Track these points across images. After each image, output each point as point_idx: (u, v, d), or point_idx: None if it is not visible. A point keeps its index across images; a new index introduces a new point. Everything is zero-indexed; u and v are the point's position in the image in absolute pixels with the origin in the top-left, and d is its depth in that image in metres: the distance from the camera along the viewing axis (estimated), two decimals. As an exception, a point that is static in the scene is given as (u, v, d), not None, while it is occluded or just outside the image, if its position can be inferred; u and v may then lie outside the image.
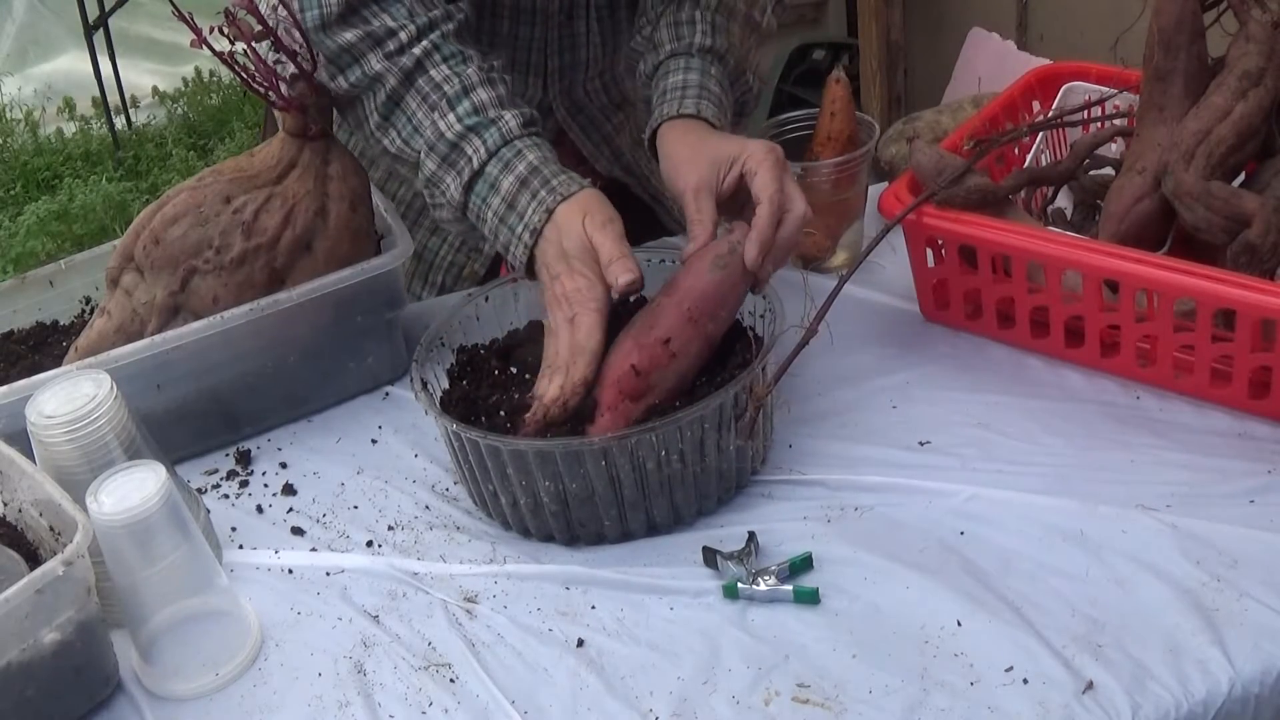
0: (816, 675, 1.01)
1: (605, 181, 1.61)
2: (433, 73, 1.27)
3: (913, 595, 1.07)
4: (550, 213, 1.21)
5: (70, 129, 4.37)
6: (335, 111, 1.35)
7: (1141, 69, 1.30)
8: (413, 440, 1.32)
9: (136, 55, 4.57)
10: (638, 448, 1.10)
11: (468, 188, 1.25)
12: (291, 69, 1.28)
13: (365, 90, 1.29)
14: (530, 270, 1.24)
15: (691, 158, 1.26)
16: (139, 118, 4.39)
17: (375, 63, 1.27)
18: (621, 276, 1.17)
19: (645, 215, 1.66)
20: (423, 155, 1.27)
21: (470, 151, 1.25)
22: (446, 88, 1.26)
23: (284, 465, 1.31)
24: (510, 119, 1.26)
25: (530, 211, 1.22)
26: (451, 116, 1.26)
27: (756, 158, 1.22)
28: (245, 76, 1.27)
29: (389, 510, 1.24)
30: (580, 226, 1.20)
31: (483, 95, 1.26)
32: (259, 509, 1.26)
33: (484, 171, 1.25)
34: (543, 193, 1.22)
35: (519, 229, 1.23)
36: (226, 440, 1.34)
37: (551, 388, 1.15)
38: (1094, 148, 1.35)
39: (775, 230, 1.20)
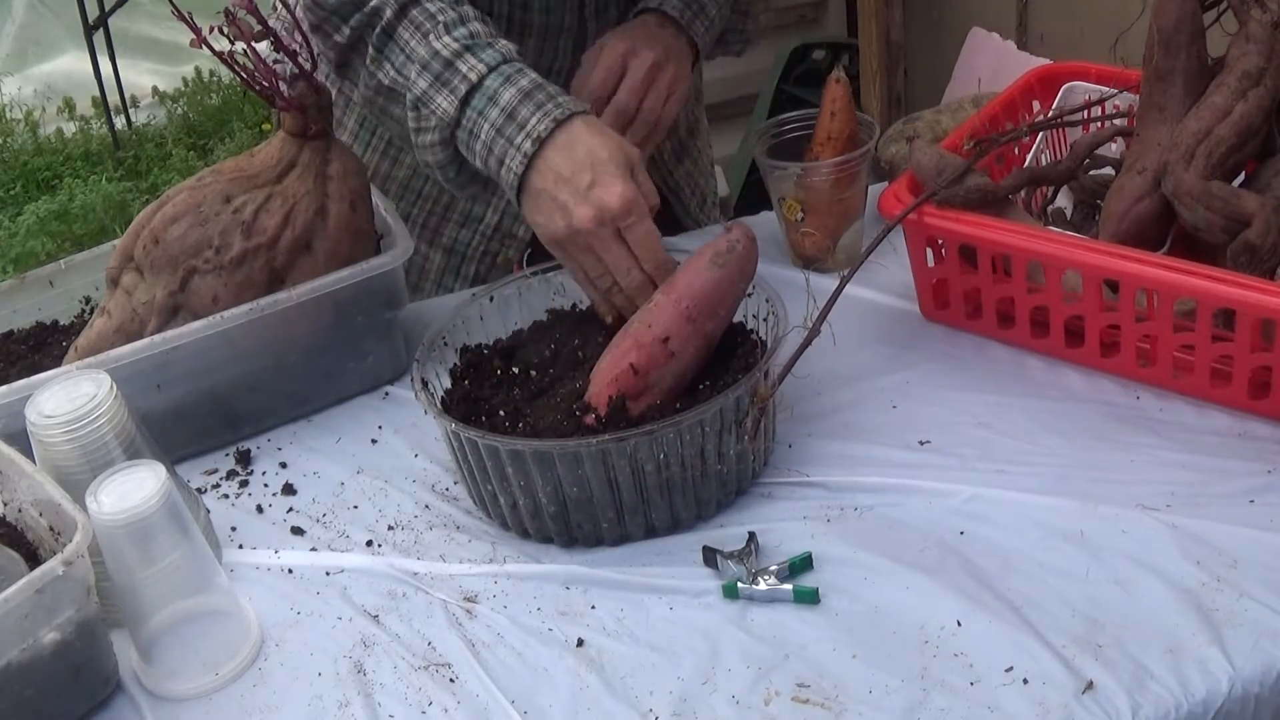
0: (816, 675, 1.01)
1: None
2: (428, 4, 1.28)
3: (913, 595, 1.07)
4: (558, 123, 1.20)
5: (70, 129, 4.37)
6: (334, 100, 1.35)
7: (1141, 69, 1.30)
8: (413, 440, 1.32)
9: (136, 55, 4.57)
10: (636, 450, 1.10)
11: (464, 101, 1.24)
12: (291, 69, 1.28)
13: (364, 28, 1.30)
14: (520, 193, 1.22)
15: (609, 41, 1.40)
16: (139, 118, 4.39)
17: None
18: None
19: (661, 208, 1.67)
20: (414, 76, 1.26)
21: (466, 69, 1.24)
22: (441, 16, 1.27)
23: (284, 465, 1.32)
24: (507, 44, 1.27)
25: (534, 121, 1.21)
26: (447, 38, 1.26)
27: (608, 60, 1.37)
28: (245, 76, 1.27)
29: (389, 510, 1.24)
30: (596, 136, 1.20)
31: (477, 26, 1.28)
32: (259, 509, 1.26)
33: (482, 84, 1.23)
34: (549, 105, 1.21)
35: (518, 139, 1.21)
36: (226, 440, 1.34)
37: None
38: (1094, 148, 1.35)
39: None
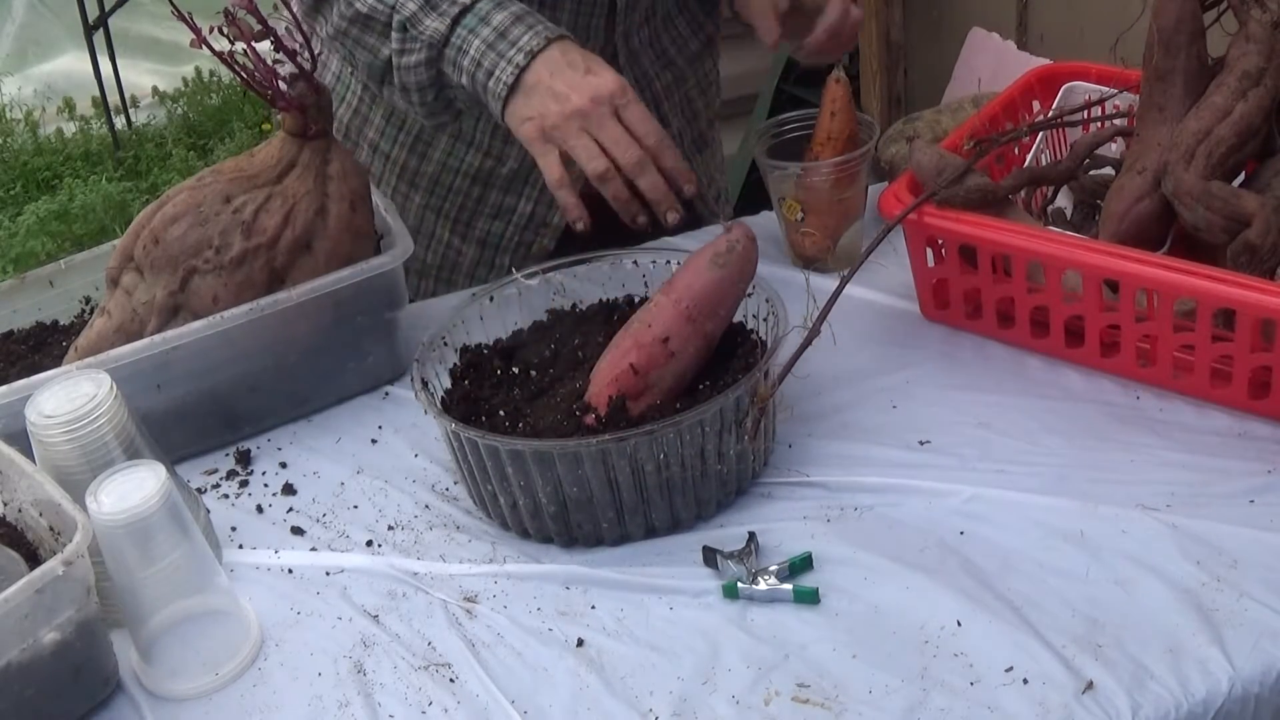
0: (816, 675, 1.01)
1: None
2: None
3: (912, 595, 1.07)
4: (549, 41, 1.25)
5: (70, 129, 4.37)
6: (360, 96, 1.37)
7: (1141, 69, 1.30)
8: (413, 440, 1.32)
9: (136, 55, 4.58)
10: (636, 450, 1.10)
11: (455, 21, 1.28)
12: (291, 69, 1.28)
13: None
14: (507, 102, 1.26)
15: None
16: (139, 118, 4.40)
17: None
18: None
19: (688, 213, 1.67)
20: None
21: None
22: None
23: (284, 465, 1.31)
24: None
25: (527, 38, 1.26)
26: None
27: None
28: (245, 76, 1.27)
29: (389, 510, 1.24)
30: (584, 52, 1.25)
31: None
32: (259, 509, 1.26)
33: (474, 7, 1.28)
34: (540, 26, 1.26)
35: (510, 52, 1.26)
36: (226, 440, 1.34)
37: (650, 187, 1.23)
38: (1094, 148, 1.35)
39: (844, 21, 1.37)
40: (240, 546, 1.22)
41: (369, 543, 1.20)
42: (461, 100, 1.36)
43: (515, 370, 1.26)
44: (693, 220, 1.66)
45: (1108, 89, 1.44)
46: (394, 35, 1.32)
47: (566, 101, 1.23)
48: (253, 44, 1.24)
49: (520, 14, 1.28)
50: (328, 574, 1.17)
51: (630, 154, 1.23)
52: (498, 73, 1.26)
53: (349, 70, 1.57)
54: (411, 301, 1.59)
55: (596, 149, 1.23)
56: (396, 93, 1.37)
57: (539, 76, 1.25)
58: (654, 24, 1.58)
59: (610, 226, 1.36)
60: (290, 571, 1.18)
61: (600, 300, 1.33)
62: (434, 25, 1.29)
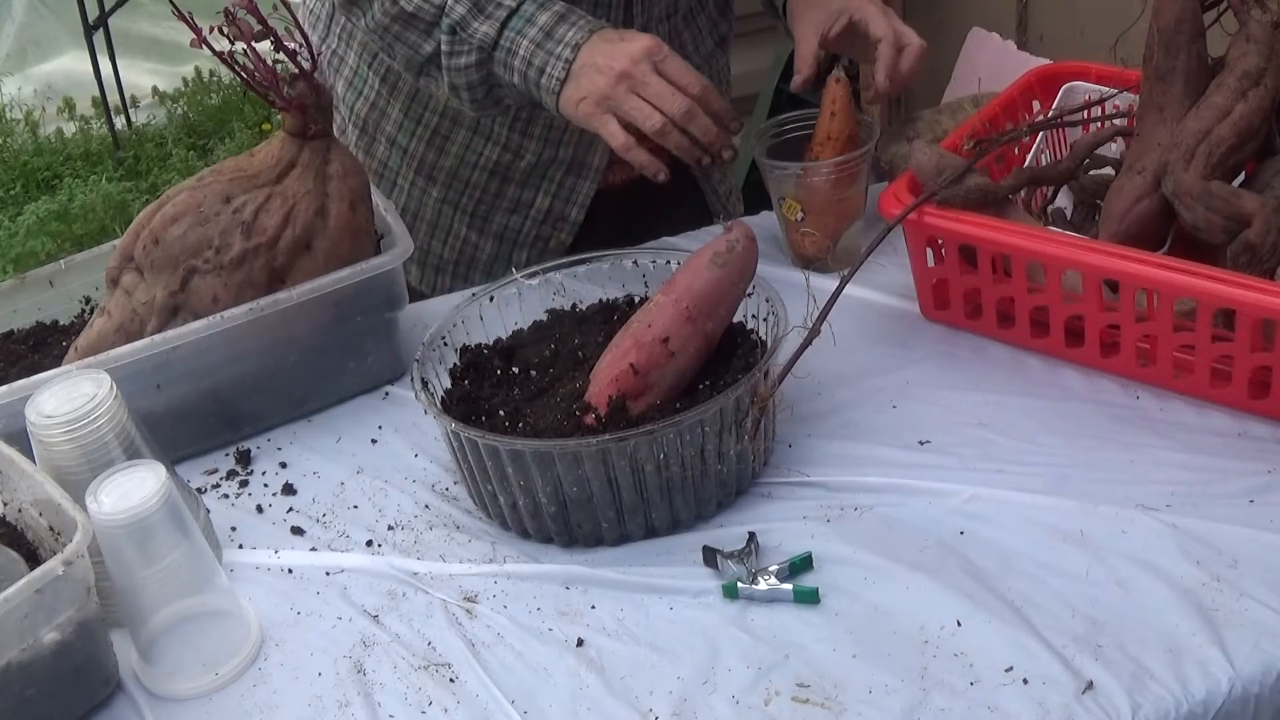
0: (816, 675, 1.01)
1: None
2: None
3: (913, 595, 1.07)
4: (593, 33, 1.32)
5: (70, 129, 4.37)
6: (377, 90, 1.40)
7: (1141, 69, 1.30)
8: (413, 440, 1.32)
9: (136, 55, 4.58)
10: (636, 450, 1.10)
11: (504, 24, 1.34)
12: (292, 68, 1.28)
13: None
14: (561, 92, 1.33)
15: (809, 4, 1.49)
16: (139, 118, 4.40)
17: None
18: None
19: (691, 192, 1.69)
20: (451, 2, 1.35)
21: None
22: None
23: (284, 465, 1.31)
24: None
25: (572, 32, 1.33)
26: None
27: (864, 7, 1.45)
28: (245, 76, 1.27)
29: (389, 510, 1.24)
30: (620, 31, 1.33)
31: None
32: (259, 509, 1.26)
33: (520, 9, 1.35)
34: (581, 21, 1.35)
35: (558, 49, 1.33)
36: (226, 440, 1.34)
37: (701, 131, 1.31)
38: (1094, 148, 1.35)
39: (898, 59, 1.43)
40: (240, 546, 1.22)
41: (369, 543, 1.20)
42: (511, 96, 1.41)
43: (515, 370, 1.26)
44: (702, 215, 1.67)
45: (1108, 89, 1.44)
46: (443, 38, 1.37)
47: (610, 71, 1.31)
48: (253, 44, 1.24)
49: (563, 12, 1.35)
50: (328, 574, 1.17)
51: (679, 105, 1.31)
52: (549, 69, 1.33)
53: (367, 65, 1.58)
54: (427, 297, 1.60)
55: (649, 108, 1.31)
56: (444, 88, 1.42)
57: (582, 61, 1.32)
58: (674, 21, 1.59)
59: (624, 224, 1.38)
60: (290, 571, 1.18)
61: (600, 300, 1.33)
62: (484, 29, 1.35)
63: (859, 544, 1.12)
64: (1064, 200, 1.45)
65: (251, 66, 1.26)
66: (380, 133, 1.62)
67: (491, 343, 1.30)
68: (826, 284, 1.24)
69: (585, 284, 1.35)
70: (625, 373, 1.15)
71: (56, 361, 1.32)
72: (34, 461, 1.10)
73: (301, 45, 1.27)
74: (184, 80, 4.59)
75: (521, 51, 1.34)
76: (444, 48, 1.38)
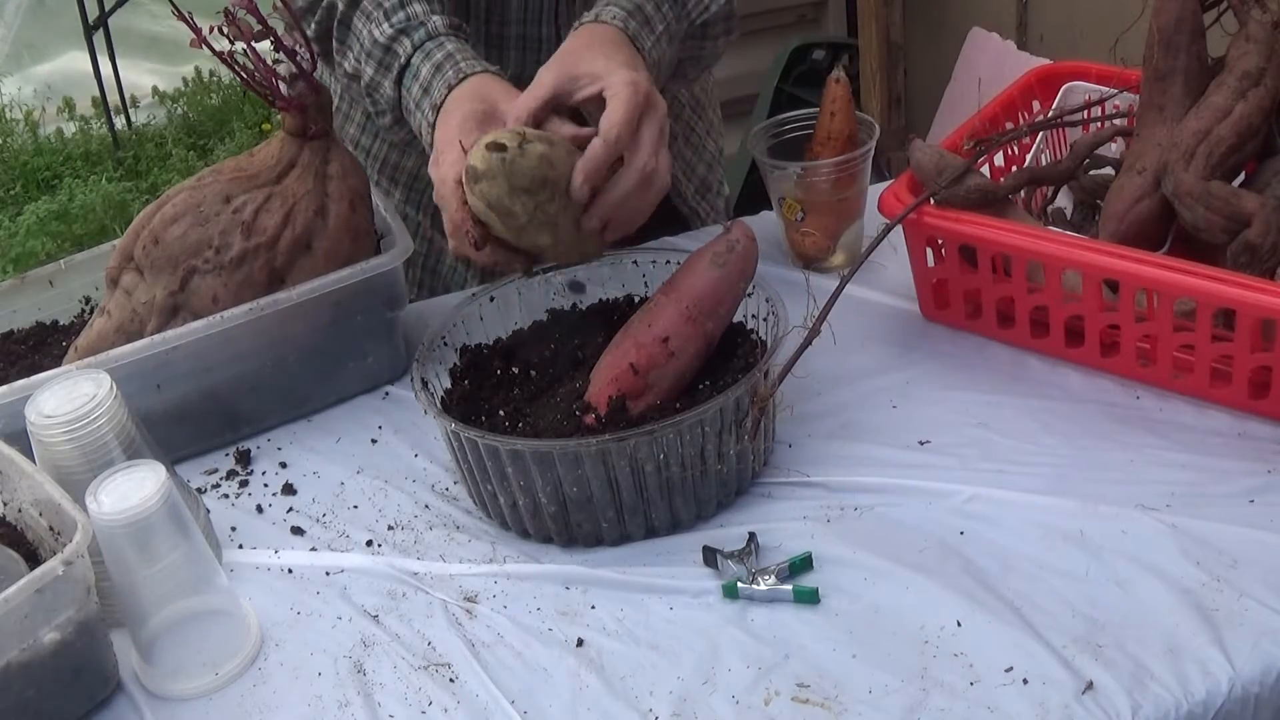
0: (816, 675, 1.01)
1: None
2: None
3: (912, 595, 1.07)
4: (451, 88, 1.26)
5: (70, 129, 4.37)
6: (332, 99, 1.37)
7: (1141, 69, 1.30)
8: (413, 440, 1.32)
9: (136, 55, 4.58)
10: (636, 450, 1.10)
11: (397, 82, 1.32)
12: (291, 68, 1.28)
13: (325, 22, 1.37)
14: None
15: (567, 56, 1.23)
16: (139, 118, 4.40)
17: None
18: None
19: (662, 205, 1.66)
20: (364, 63, 1.33)
21: (400, 50, 1.31)
22: (385, 2, 1.33)
23: (284, 465, 1.31)
24: (438, 20, 1.32)
25: (437, 90, 1.27)
26: (385, 25, 1.32)
27: (614, 88, 1.16)
28: (245, 76, 1.27)
29: (389, 510, 1.24)
30: (482, 89, 1.24)
31: (418, 7, 1.33)
32: (259, 509, 1.26)
33: (409, 64, 1.31)
34: (449, 73, 1.27)
35: (426, 108, 1.28)
36: (226, 440, 1.34)
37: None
38: (1094, 148, 1.35)
39: (604, 167, 1.15)
40: (240, 546, 1.22)
41: (369, 543, 1.20)
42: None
43: (515, 370, 1.26)
44: (675, 219, 1.66)
45: (1108, 89, 1.44)
46: (366, 99, 1.36)
47: (438, 165, 1.22)
48: (253, 44, 1.25)
49: (440, 61, 1.28)
50: (328, 574, 1.17)
51: (462, 247, 1.21)
52: (423, 134, 1.29)
53: (327, 72, 1.58)
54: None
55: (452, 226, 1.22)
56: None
57: (438, 135, 1.24)
58: None
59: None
60: (290, 571, 1.18)
61: (600, 300, 1.33)
62: (388, 88, 1.33)
63: (859, 544, 1.12)
64: (1064, 200, 1.45)
65: (251, 66, 1.26)
66: (344, 135, 1.63)
67: (491, 343, 1.30)
68: (826, 284, 1.24)
69: (585, 284, 1.35)
70: (625, 373, 1.15)
71: (56, 361, 1.32)
72: (34, 461, 1.10)
73: (301, 45, 1.28)
74: (184, 80, 4.59)
75: (414, 112, 1.30)
76: (370, 109, 1.37)
